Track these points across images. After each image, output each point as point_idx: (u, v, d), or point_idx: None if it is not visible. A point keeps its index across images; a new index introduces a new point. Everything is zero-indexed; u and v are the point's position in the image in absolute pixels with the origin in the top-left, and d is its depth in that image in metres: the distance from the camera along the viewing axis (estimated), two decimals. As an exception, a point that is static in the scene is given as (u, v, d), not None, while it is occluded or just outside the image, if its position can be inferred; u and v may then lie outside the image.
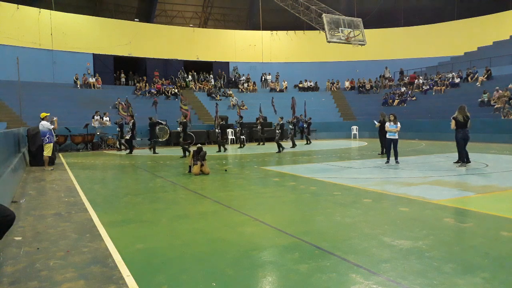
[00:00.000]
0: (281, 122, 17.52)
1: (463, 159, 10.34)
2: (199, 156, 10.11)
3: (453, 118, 10.27)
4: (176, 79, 31.04)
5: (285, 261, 3.74)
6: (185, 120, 16.94)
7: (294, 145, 18.97)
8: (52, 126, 12.04)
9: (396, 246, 4.09)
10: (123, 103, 21.29)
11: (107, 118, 22.45)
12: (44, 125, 11.96)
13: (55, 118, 12.51)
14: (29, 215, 5.93)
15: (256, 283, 3.33)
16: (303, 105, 30.13)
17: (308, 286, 3.19)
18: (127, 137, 17.76)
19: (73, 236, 4.75)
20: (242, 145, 20.07)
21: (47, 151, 11.75)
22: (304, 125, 22.78)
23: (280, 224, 5.10)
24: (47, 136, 11.76)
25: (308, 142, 21.65)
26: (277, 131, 17.14)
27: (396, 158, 11.22)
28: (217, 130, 18.92)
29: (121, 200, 7.09)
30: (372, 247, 4.06)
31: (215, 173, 10.56)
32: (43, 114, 12.27)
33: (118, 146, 19.60)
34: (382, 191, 7.25)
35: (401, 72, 32.49)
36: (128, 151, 17.44)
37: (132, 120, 18.22)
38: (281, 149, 16.24)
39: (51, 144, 11.83)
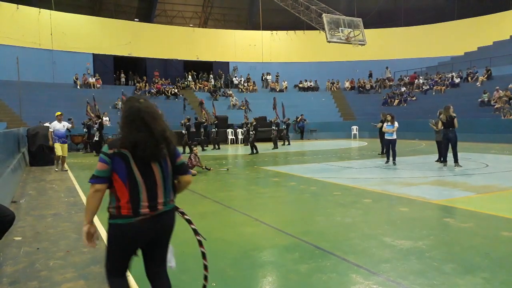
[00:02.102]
0: (254, 123, 17.22)
1: (440, 158, 10.33)
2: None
3: (439, 118, 10.26)
4: (178, 79, 31.08)
5: (285, 261, 3.74)
6: None
7: (275, 147, 18.66)
8: (49, 127, 11.52)
9: (396, 246, 4.08)
10: (90, 103, 20.72)
11: (107, 118, 22.42)
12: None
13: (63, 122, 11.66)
14: (29, 215, 5.93)
15: (256, 283, 3.33)
16: (302, 105, 30.18)
17: (308, 286, 3.18)
18: (96, 139, 17.28)
19: (73, 236, 4.74)
20: (215, 147, 19.42)
21: (56, 151, 11.28)
22: (284, 125, 22.22)
23: (280, 224, 5.10)
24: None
25: (287, 143, 21.20)
26: (251, 132, 16.85)
27: (393, 159, 10.99)
28: (183, 131, 18.32)
29: (121, 200, 7.07)
30: (372, 247, 4.06)
31: (215, 173, 10.56)
32: (56, 114, 11.69)
33: (85, 148, 19.34)
34: (382, 191, 7.24)
35: (371, 75, 33.15)
36: (94, 153, 17.02)
37: (99, 121, 17.60)
38: (254, 151, 15.79)
39: (56, 144, 11.19)
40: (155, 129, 2.19)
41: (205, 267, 2.51)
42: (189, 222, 2.49)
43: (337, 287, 3.17)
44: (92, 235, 2.23)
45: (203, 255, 2.48)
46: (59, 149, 11.19)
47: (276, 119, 20.67)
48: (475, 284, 3.12)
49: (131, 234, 2.19)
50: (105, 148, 2.19)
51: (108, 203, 2.21)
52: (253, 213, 5.73)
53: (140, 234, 2.20)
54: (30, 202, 6.96)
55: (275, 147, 18.63)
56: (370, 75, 33.27)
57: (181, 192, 2.47)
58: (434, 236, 4.43)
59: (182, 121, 18.91)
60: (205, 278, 2.53)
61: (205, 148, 18.59)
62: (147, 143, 2.13)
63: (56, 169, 11.41)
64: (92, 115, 19.45)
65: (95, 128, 17.78)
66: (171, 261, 2.49)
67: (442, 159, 10.68)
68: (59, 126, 11.33)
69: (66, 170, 11.36)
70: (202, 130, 19.73)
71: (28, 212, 6.10)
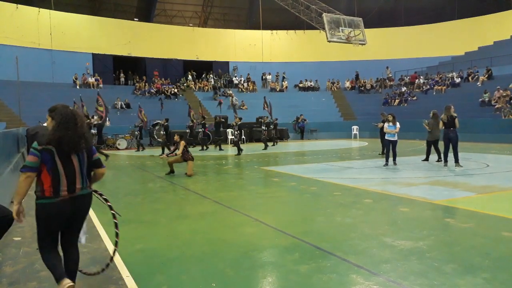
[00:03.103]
0: (239, 123, 17.03)
1: (440, 157, 10.29)
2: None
3: (440, 118, 10.22)
4: (179, 79, 31.06)
5: (285, 262, 3.72)
6: (100, 122, 16.14)
7: (266, 147, 18.33)
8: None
9: (396, 246, 4.07)
10: (77, 103, 20.49)
11: (106, 118, 22.39)
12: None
13: None
14: (29, 215, 5.88)
15: (256, 283, 3.32)
16: (302, 105, 30.16)
17: (308, 286, 3.17)
18: None
19: (72, 237, 4.72)
20: (202, 148, 18.85)
21: None
22: (271, 126, 21.35)
23: (280, 224, 5.09)
24: None
25: (275, 143, 20.74)
26: (236, 132, 16.58)
27: (394, 160, 10.76)
28: (161, 132, 17.81)
29: (121, 201, 7.07)
30: (373, 248, 4.05)
31: (215, 172, 10.56)
32: None
33: None
34: (382, 191, 7.23)
35: (357, 76, 33.16)
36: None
37: (88, 121, 17.38)
38: (240, 151, 15.50)
39: None
40: (80, 129, 2.88)
41: (117, 235, 3.26)
42: (106, 200, 3.25)
43: (337, 287, 3.16)
44: (20, 213, 2.87)
45: (116, 225, 3.26)
46: None
47: (266, 119, 20.44)
48: (476, 284, 3.11)
49: (53, 211, 2.80)
50: (35, 145, 2.80)
51: (35, 188, 2.83)
52: (253, 213, 5.72)
53: (60, 211, 2.82)
54: (30, 202, 6.92)
55: (265, 147, 18.32)
56: (357, 76, 33.23)
57: (98, 181, 3.19)
58: (434, 236, 4.42)
59: (161, 121, 18.15)
60: (116, 234, 3.28)
61: (222, 148, 18.48)
62: (71, 138, 2.80)
63: None
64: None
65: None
66: (82, 239, 3.29)
67: (442, 159, 10.82)
68: None
69: None
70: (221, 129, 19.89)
71: (28, 212, 6.04)
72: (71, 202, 2.85)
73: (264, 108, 23.72)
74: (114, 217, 3.23)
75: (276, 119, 22.66)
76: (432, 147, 11.60)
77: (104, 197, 3.25)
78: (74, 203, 2.88)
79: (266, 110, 23.29)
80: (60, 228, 2.93)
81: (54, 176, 2.77)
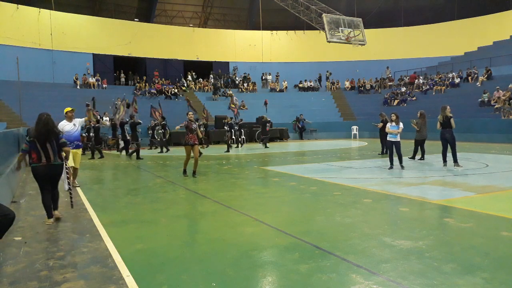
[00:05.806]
0: (204, 123, 16.56)
1: (423, 156, 10.26)
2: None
3: (437, 119, 10.16)
4: (179, 80, 31.05)
5: (285, 261, 3.73)
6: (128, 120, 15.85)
7: (228, 150, 17.39)
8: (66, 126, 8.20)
9: (396, 246, 4.08)
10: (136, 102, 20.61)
11: (107, 118, 22.41)
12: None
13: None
14: (29, 215, 5.93)
15: (256, 283, 3.33)
16: (302, 105, 30.15)
17: (308, 286, 3.18)
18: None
19: (73, 236, 4.74)
20: (164, 150, 17.98)
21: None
22: (236, 127, 20.12)
23: (280, 224, 5.10)
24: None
25: (238, 146, 19.84)
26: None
27: (400, 162, 10.18)
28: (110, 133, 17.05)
29: (121, 200, 7.08)
30: (372, 247, 4.06)
31: (215, 172, 10.57)
32: (66, 110, 8.38)
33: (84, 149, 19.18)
34: (382, 191, 7.24)
35: (320, 78, 33.14)
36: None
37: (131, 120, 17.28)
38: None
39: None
40: (50, 128, 5.28)
41: (70, 189, 6.22)
42: (67, 169, 6.04)
43: (337, 287, 3.17)
44: (20, 161, 5.66)
45: (69, 183, 6.18)
46: (71, 157, 7.27)
47: (229, 120, 19.74)
48: (475, 284, 3.12)
49: (39, 170, 5.28)
50: (28, 137, 5.27)
51: (29, 160, 5.33)
52: (253, 213, 5.73)
53: (43, 171, 5.28)
54: (30, 202, 6.96)
55: (228, 150, 17.42)
56: (319, 79, 33.10)
57: (68, 155, 5.77)
58: (434, 236, 4.43)
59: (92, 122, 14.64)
60: (69, 187, 6.19)
61: (267, 146, 19.00)
62: (44, 134, 5.22)
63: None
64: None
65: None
66: (66, 187, 6.16)
67: (448, 160, 10.84)
68: (69, 127, 7.97)
69: (78, 186, 8.42)
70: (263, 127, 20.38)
71: (28, 212, 6.10)
72: (49, 167, 5.29)
73: (229, 108, 23.42)
74: (68, 178, 6.08)
75: (241, 120, 22.28)
76: (419, 147, 11.78)
77: (67, 167, 6.00)
78: (50, 168, 5.31)
79: (232, 110, 22.84)
80: (46, 181, 5.34)
81: (37, 153, 5.24)
